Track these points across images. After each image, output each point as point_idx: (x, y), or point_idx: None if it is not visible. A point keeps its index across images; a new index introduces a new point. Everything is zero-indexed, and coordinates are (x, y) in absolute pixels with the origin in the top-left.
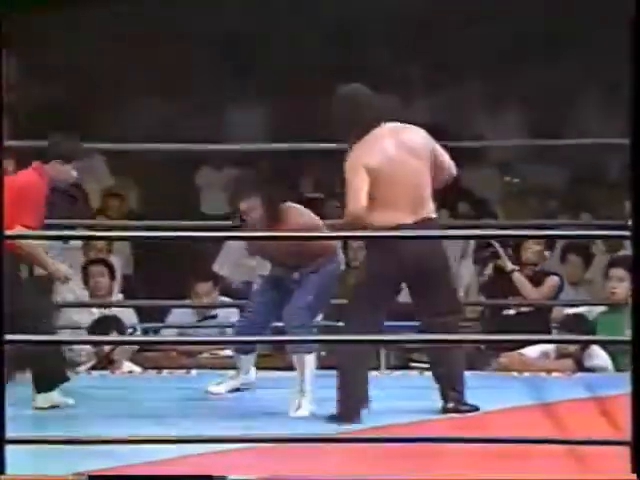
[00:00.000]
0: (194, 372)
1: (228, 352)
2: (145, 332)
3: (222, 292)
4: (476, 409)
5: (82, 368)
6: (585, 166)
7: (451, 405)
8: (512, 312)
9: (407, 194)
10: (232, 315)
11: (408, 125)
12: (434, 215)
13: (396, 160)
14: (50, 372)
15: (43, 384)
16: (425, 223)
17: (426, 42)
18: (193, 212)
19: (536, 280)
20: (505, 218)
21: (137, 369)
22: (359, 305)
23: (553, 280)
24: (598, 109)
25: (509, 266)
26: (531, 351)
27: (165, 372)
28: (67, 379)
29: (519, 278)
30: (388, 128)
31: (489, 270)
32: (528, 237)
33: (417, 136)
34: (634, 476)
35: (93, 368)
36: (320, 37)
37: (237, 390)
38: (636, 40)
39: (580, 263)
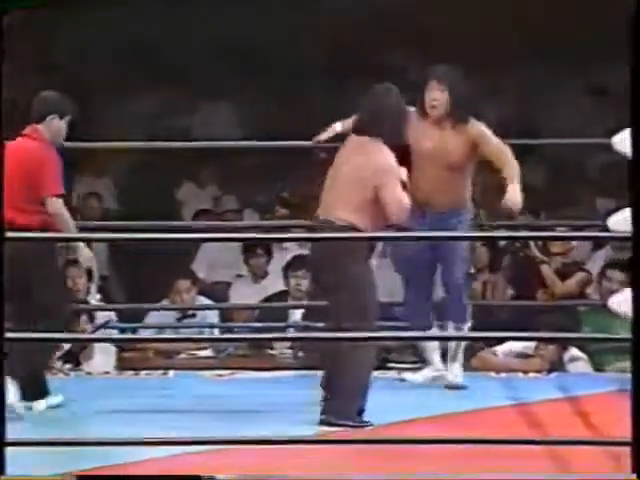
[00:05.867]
0: (171, 373)
1: (206, 353)
2: (122, 331)
3: (200, 292)
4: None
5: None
6: (564, 163)
7: (324, 417)
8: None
9: (327, 193)
10: (210, 315)
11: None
12: (339, 222)
13: (337, 163)
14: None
15: None
16: (322, 224)
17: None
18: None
19: (565, 273)
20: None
21: (111, 362)
22: None
23: (581, 275)
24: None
25: (538, 256)
26: (504, 349)
27: (142, 373)
28: None
29: (547, 270)
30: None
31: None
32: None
33: (368, 157)
34: (634, 476)
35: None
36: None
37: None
38: (636, 40)
39: None
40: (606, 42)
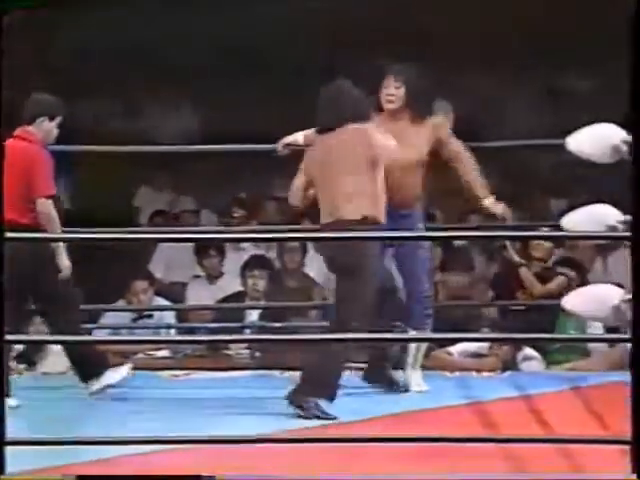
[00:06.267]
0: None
1: (163, 353)
2: None
3: (156, 292)
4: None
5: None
6: (514, 165)
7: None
8: (521, 307)
9: (328, 196)
10: (167, 316)
11: (356, 126)
12: (350, 217)
13: (325, 165)
14: None
15: None
16: (337, 225)
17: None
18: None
19: (545, 277)
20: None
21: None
22: None
23: (560, 279)
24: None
25: (516, 259)
26: (458, 349)
27: None
28: None
29: (525, 273)
30: (335, 131)
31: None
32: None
33: (355, 138)
34: (634, 476)
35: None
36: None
37: None
38: (636, 40)
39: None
40: (565, 45)
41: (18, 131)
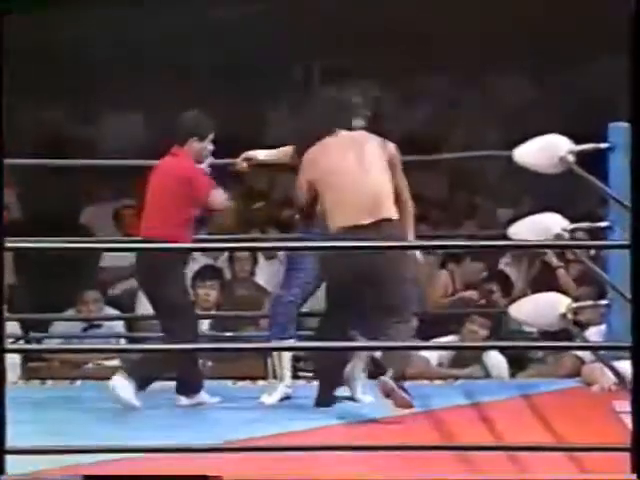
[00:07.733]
0: (78, 382)
1: (114, 363)
2: (27, 342)
3: (107, 302)
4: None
5: None
6: (461, 174)
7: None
8: None
9: (358, 198)
10: (116, 325)
11: (367, 135)
12: (394, 216)
13: (342, 168)
14: None
15: None
16: (381, 224)
17: None
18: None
19: (581, 280)
20: None
21: (17, 372)
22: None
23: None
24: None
25: (554, 262)
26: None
27: (49, 383)
28: None
29: (563, 275)
30: (341, 137)
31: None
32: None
33: (371, 146)
34: (634, 476)
35: None
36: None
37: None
38: (636, 40)
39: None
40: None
41: (173, 149)
